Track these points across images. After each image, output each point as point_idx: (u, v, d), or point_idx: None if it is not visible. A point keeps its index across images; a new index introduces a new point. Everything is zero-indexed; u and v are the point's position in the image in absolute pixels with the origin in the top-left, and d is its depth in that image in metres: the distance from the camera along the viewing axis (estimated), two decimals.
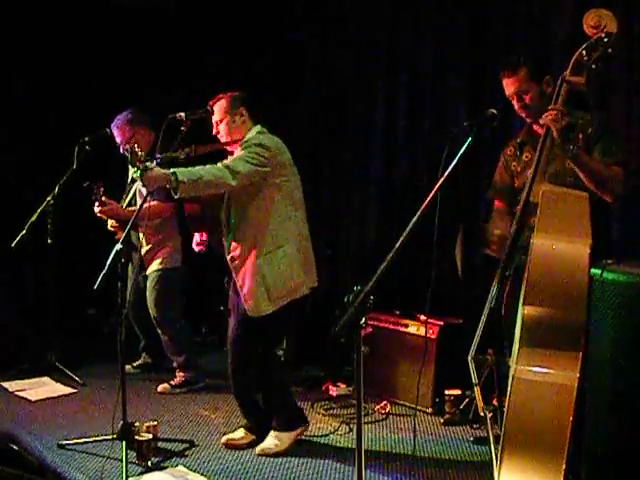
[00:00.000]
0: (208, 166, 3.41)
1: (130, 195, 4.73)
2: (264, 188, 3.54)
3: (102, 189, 4.44)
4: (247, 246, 3.58)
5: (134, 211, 4.35)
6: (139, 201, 4.58)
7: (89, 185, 4.42)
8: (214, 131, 3.67)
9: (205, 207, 3.77)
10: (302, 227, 3.69)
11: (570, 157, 2.99)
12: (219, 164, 3.44)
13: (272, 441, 3.70)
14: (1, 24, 5.46)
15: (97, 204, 4.45)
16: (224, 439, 3.83)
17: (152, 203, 4.32)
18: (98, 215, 4.51)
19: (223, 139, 3.66)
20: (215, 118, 3.64)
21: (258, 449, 3.69)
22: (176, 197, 3.32)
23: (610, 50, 2.94)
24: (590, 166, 3.03)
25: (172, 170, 3.27)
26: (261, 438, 3.73)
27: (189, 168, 3.36)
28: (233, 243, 3.63)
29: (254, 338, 3.65)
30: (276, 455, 3.65)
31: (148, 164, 3.21)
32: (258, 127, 3.68)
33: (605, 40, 2.92)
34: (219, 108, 3.63)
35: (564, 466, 2.54)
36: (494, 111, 2.71)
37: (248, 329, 3.65)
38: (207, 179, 3.34)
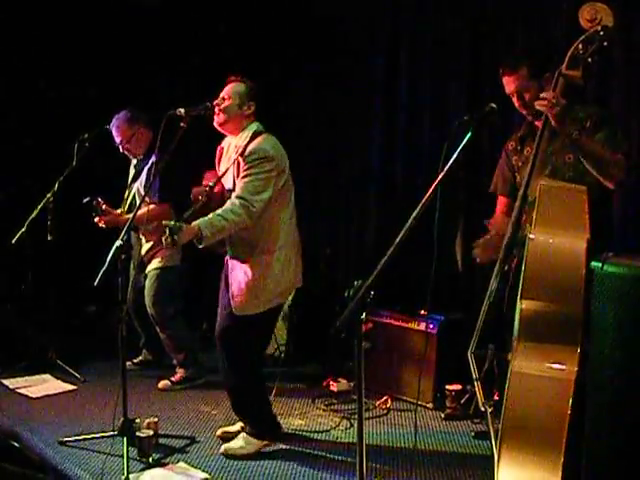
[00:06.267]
0: (227, 209, 3.39)
1: (131, 197, 4.73)
2: None
3: (102, 202, 4.45)
4: (243, 247, 3.58)
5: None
6: (138, 201, 4.56)
7: (89, 201, 4.42)
8: (215, 101, 3.57)
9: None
10: (295, 233, 3.69)
11: (572, 139, 2.96)
12: (236, 201, 3.40)
13: (239, 443, 3.65)
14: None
15: (98, 218, 4.46)
16: (220, 431, 3.83)
17: (150, 207, 4.31)
18: (100, 226, 4.50)
19: (221, 117, 3.57)
20: (226, 94, 3.58)
21: (223, 448, 3.64)
22: (200, 247, 3.33)
23: (606, 43, 2.92)
24: (593, 149, 2.99)
25: (198, 226, 3.28)
26: None
27: (211, 219, 3.34)
28: (232, 242, 3.61)
29: (237, 336, 3.58)
30: (244, 458, 3.58)
31: (180, 225, 3.22)
32: (256, 125, 3.62)
33: (601, 33, 2.90)
34: (236, 89, 3.59)
35: (562, 459, 2.53)
36: (494, 105, 2.70)
37: (231, 326, 3.59)
38: (228, 227, 3.37)
